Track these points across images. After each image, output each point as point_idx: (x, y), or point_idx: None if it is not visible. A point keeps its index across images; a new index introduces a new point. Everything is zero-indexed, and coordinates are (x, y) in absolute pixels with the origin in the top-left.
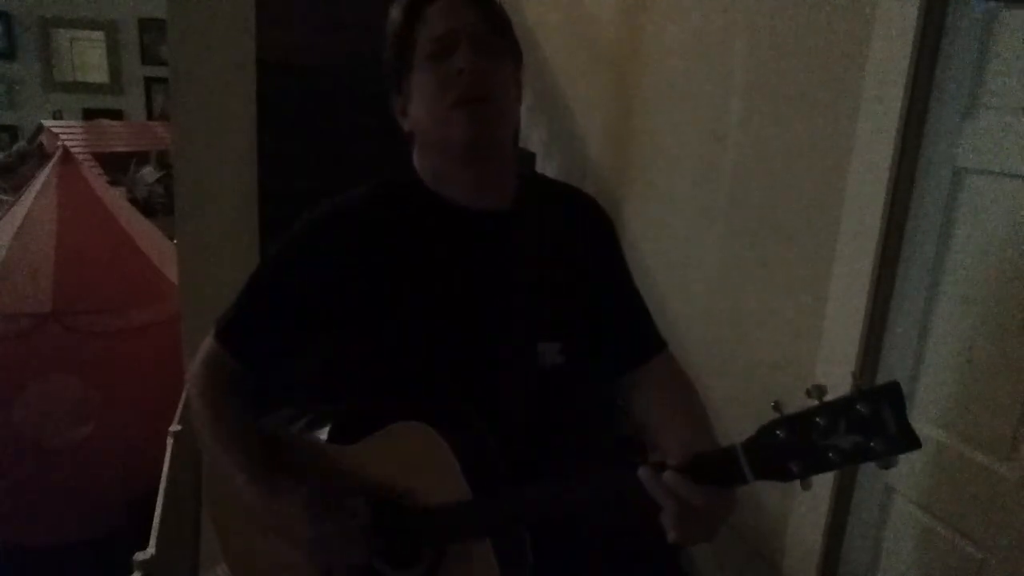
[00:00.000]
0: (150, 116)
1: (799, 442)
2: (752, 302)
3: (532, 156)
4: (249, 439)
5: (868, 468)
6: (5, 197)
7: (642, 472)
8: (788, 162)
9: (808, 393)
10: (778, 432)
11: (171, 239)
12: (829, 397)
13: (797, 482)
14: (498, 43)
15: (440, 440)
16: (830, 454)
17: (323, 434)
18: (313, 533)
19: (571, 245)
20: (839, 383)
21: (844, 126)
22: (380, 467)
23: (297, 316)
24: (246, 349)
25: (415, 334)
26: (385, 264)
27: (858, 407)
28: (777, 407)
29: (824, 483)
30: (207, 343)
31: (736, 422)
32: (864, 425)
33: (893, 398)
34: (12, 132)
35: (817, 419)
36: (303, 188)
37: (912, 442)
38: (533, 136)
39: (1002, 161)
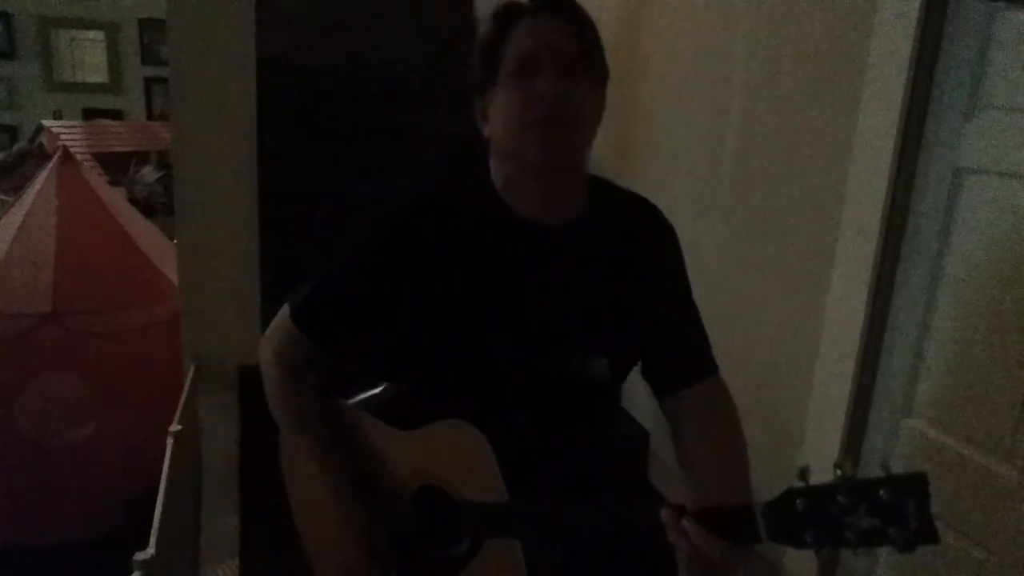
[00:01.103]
0: (150, 116)
1: (818, 514)
2: (752, 302)
3: None
4: (321, 429)
5: (867, 466)
6: (5, 197)
7: (664, 514)
8: (788, 162)
9: (837, 467)
10: (799, 501)
11: (171, 239)
12: (859, 475)
13: (795, 484)
14: (583, 65)
15: (485, 443)
16: (846, 532)
17: (384, 417)
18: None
19: (631, 261)
20: (839, 383)
21: (844, 126)
22: (429, 456)
23: (366, 304)
24: (321, 331)
25: (470, 337)
26: (447, 266)
27: (881, 493)
28: (803, 475)
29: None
30: (281, 327)
31: None
32: (884, 511)
33: (919, 490)
34: (12, 132)
35: (839, 496)
36: (303, 188)
37: (930, 538)
38: None
39: (1002, 161)
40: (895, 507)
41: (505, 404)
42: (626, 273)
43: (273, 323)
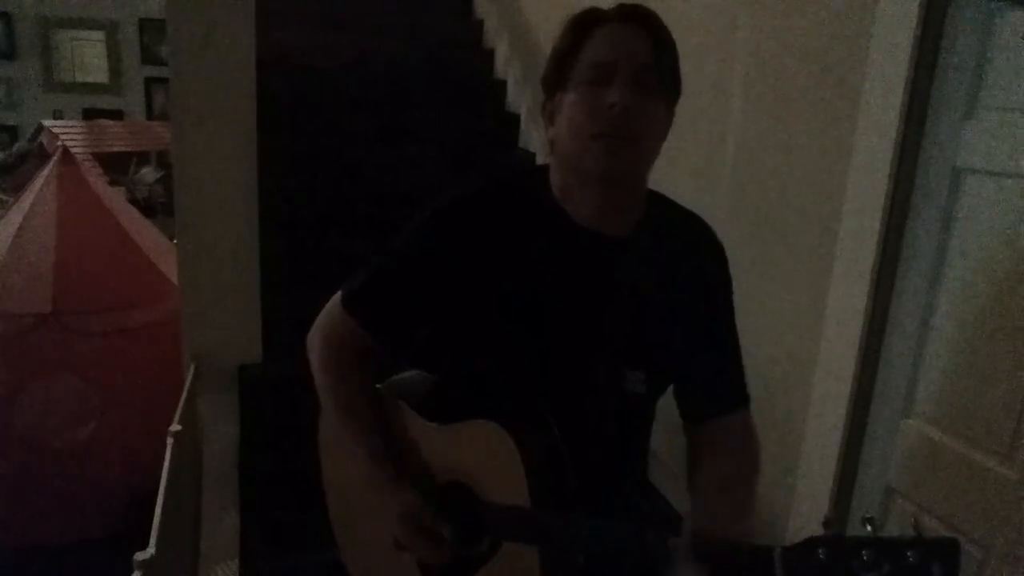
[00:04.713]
0: (150, 116)
1: (838, 567)
2: (752, 302)
3: (532, 156)
4: (369, 418)
5: (868, 466)
6: (5, 197)
7: (680, 548)
8: (788, 162)
9: (863, 522)
10: (820, 551)
11: (171, 239)
12: (882, 532)
13: (795, 484)
14: (656, 78)
15: (513, 448)
16: None
17: (417, 408)
18: (402, 539)
19: (680, 279)
20: (839, 383)
21: (844, 126)
22: (457, 454)
23: (418, 296)
24: (374, 320)
25: (511, 336)
26: (498, 264)
27: (909, 554)
28: (827, 524)
29: (824, 483)
30: (332, 314)
31: None
32: (909, 574)
33: (947, 557)
34: (12, 132)
35: (863, 551)
36: (303, 188)
37: None
38: (533, 135)
39: (1002, 161)
40: (921, 571)
41: (537, 408)
42: (673, 291)
43: (323, 312)
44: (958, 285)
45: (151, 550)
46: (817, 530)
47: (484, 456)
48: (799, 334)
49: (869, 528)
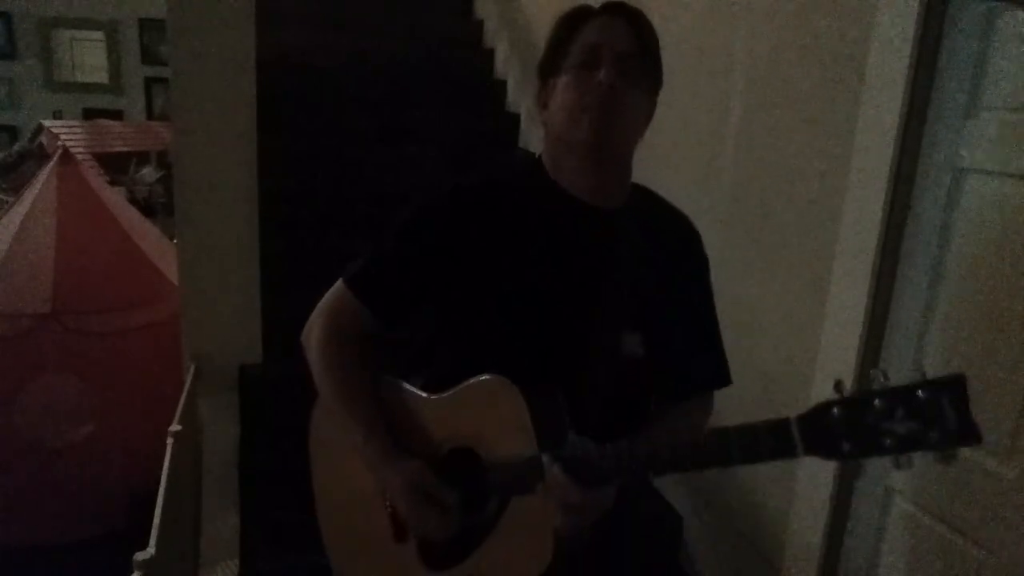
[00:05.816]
0: (150, 116)
1: (854, 422)
2: (752, 302)
3: (532, 156)
4: (367, 398)
5: (867, 465)
6: (5, 197)
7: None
8: (788, 162)
9: (871, 376)
10: (835, 410)
11: (171, 239)
12: (892, 382)
13: (795, 484)
14: (639, 66)
15: (519, 396)
16: (884, 438)
17: (418, 383)
18: (407, 512)
19: (666, 259)
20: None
21: (844, 126)
22: (460, 416)
23: (421, 274)
24: (377, 298)
25: (515, 308)
26: (498, 239)
27: (919, 394)
28: (838, 387)
29: (824, 483)
30: (335, 296)
31: (735, 422)
32: (923, 413)
33: (957, 389)
34: (12, 132)
35: (876, 401)
36: (302, 188)
37: (972, 436)
38: (533, 135)
39: (1002, 161)
40: (933, 407)
41: (540, 375)
42: (661, 264)
43: (324, 299)
44: (958, 285)
45: (151, 550)
46: None
47: (489, 411)
48: (799, 334)
49: (882, 380)
